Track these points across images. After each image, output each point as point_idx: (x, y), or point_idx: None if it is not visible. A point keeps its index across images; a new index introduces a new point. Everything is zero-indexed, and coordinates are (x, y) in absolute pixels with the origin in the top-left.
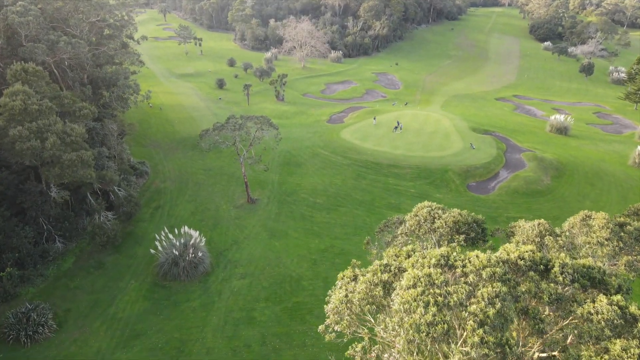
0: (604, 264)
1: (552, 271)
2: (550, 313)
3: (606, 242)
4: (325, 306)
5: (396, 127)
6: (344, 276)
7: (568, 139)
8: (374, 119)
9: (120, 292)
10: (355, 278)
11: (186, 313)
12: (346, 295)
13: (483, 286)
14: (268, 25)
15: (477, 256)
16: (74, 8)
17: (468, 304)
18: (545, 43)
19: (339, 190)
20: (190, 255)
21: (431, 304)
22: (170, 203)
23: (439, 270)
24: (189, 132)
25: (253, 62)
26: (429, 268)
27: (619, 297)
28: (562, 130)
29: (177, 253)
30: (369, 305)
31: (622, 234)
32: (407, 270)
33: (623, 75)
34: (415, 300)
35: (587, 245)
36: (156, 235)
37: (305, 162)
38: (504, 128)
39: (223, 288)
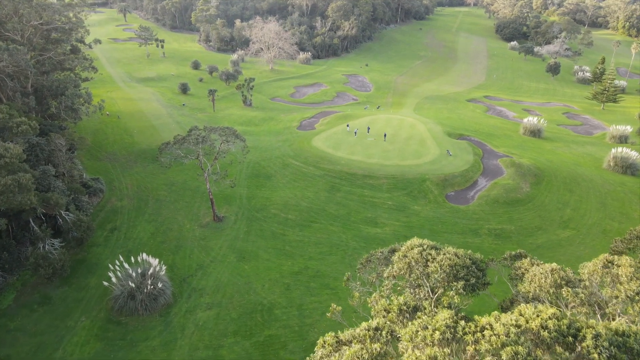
0: (637, 325)
1: (584, 345)
2: None
3: (637, 297)
4: None
5: (357, 132)
6: (324, 343)
7: (542, 141)
8: (347, 125)
9: (69, 332)
10: (338, 344)
11: (144, 354)
12: None
13: None
14: (234, 25)
15: (490, 326)
16: (13, 10)
17: None
18: (512, 43)
19: (312, 204)
20: (149, 286)
21: None
22: (127, 224)
23: (446, 350)
24: (150, 142)
25: (219, 64)
26: (433, 346)
27: None
28: (535, 132)
29: (133, 285)
30: None
31: None
32: (402, 340)
33: (588, 74)
34: None
35: (615, 300)
36: (110, 265)
37: (275, 173)
38: (479, 132)
39: (187, 322)
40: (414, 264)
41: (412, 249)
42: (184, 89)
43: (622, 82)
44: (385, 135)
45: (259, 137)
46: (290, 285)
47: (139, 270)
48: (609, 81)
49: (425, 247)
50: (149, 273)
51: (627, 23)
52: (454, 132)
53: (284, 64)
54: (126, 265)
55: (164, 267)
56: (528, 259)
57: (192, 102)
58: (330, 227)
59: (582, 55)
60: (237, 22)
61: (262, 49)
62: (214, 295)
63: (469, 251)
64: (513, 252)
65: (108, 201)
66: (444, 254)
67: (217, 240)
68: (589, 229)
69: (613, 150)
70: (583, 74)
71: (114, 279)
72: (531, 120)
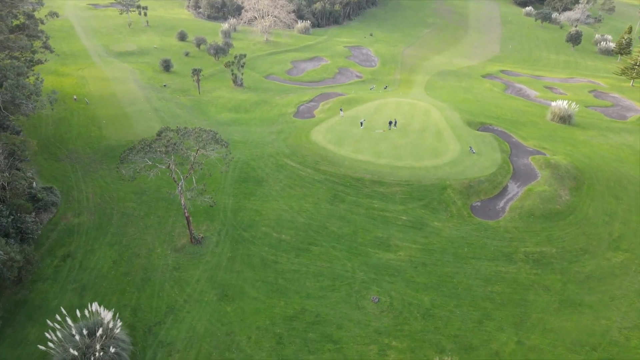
0: None
1: None
2: None
3: None
4: None
5: (391, 123)
6: None
7: (573, 129)
8: (341, 110)
9: None
10: None
11: None
12: None
13: None
14: None
15: None
16: None
17: None
18: (527, 8)
19: (310, 219)
20: (98, 352)
21: None
22: (84, 248)
23: None
24: (119, 136)
25: (208, 35)
26: None
27: None
28: (565, 119)
29: (76, 353)
30: None
31: None
32: None
33: (611, 44)
34: None
35: None
36: (48, 321)
37: (267, 177)
38: (501, 118)
39: None
40: None
41: None
42: (167, 66)
43: None
44: (390, 123)
45: (249, 127)
46: (283, 336)
47: (85, 331)
48: None
49: None
50: (99, 334)
51: None
52: (473, 120)
53: (280, 34)
54: (69, 322)
55: (119, 323)
56: None
57: (175, 81)
58: (332, 251)
59: (601, 22)
60: None
61: (255, 17)
62: (186, 353)
63: None
64: None
65: (62, 217)
66: None
67: (194, 270)
68: None
69: None
70: (606, 44)
71: (53, 341)
72: (560, 104)
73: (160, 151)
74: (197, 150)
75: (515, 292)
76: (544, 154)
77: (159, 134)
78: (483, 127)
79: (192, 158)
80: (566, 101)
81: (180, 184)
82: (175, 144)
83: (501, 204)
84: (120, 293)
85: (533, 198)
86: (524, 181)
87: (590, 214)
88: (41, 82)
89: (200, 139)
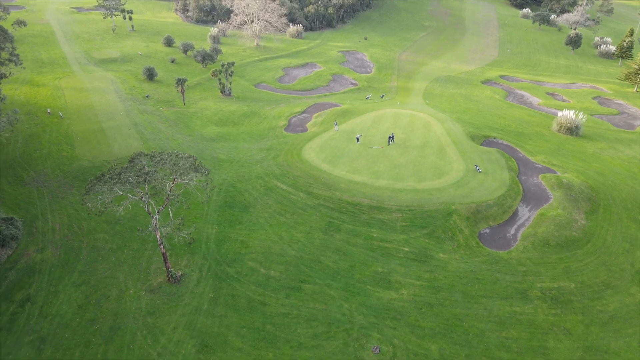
0: None
1: None
2: None
3: None
4: None
5: (390, 138)
6: None
7: (582, 141)
8: (335, 124)
9: None
10: None
11: None
12: None
13: None
14: None
15: None
16: None
17: None
18: (524, 10)
19: (302, 252)
20: None
21: None
22: (47, 290)
23: None
24: (94, 156)
25: (196, 40)
26: None
27: None
28: (572, 130)
29: None
30: None
31: None
32: None
33: (612, 47)
34: None
35: None
36: None
37: (254, 202)
38: (505, 130)
39: None
40: None
41: None
42: (150, 75)
43: None
44: (390, 138)
45: (236, 143)
46: None
47: None
48: None
49: None
50: None
51: None
52: (477, 133)
53: (271, 38)
54: None
55: None
56: None
57: (159, 91)
58: (327, 290)
59: (600, 24)
60: None
61: (245, 21)
62: None
63: None
64: None
65: (24, 253)
66: None
67: (170, 315)
68: None
69: None
70: (606, 47)
71: None
72: (567, 114)
73: (130, 182)
74: (174, 179)
75: (533, 337)
76: (555, 172)
77: (131, 160)
78: (487, 140)
79: (167, 189)
80: (572, 111)
81: (154, 217)
82: (148, 174)
83: (512, 230)
84: (85, 345)
85: (547, 224)
86: (536, 204)
87: (609, 241)
88: (2, 100)
89: (177, 167)
